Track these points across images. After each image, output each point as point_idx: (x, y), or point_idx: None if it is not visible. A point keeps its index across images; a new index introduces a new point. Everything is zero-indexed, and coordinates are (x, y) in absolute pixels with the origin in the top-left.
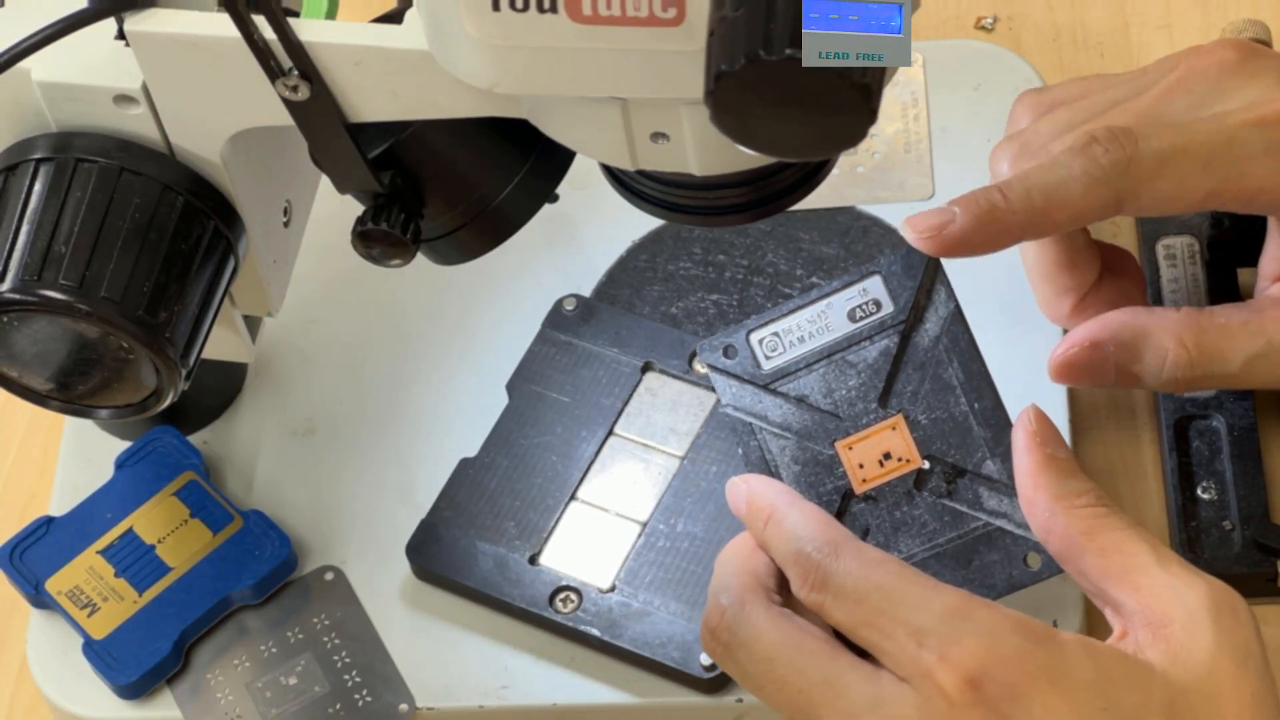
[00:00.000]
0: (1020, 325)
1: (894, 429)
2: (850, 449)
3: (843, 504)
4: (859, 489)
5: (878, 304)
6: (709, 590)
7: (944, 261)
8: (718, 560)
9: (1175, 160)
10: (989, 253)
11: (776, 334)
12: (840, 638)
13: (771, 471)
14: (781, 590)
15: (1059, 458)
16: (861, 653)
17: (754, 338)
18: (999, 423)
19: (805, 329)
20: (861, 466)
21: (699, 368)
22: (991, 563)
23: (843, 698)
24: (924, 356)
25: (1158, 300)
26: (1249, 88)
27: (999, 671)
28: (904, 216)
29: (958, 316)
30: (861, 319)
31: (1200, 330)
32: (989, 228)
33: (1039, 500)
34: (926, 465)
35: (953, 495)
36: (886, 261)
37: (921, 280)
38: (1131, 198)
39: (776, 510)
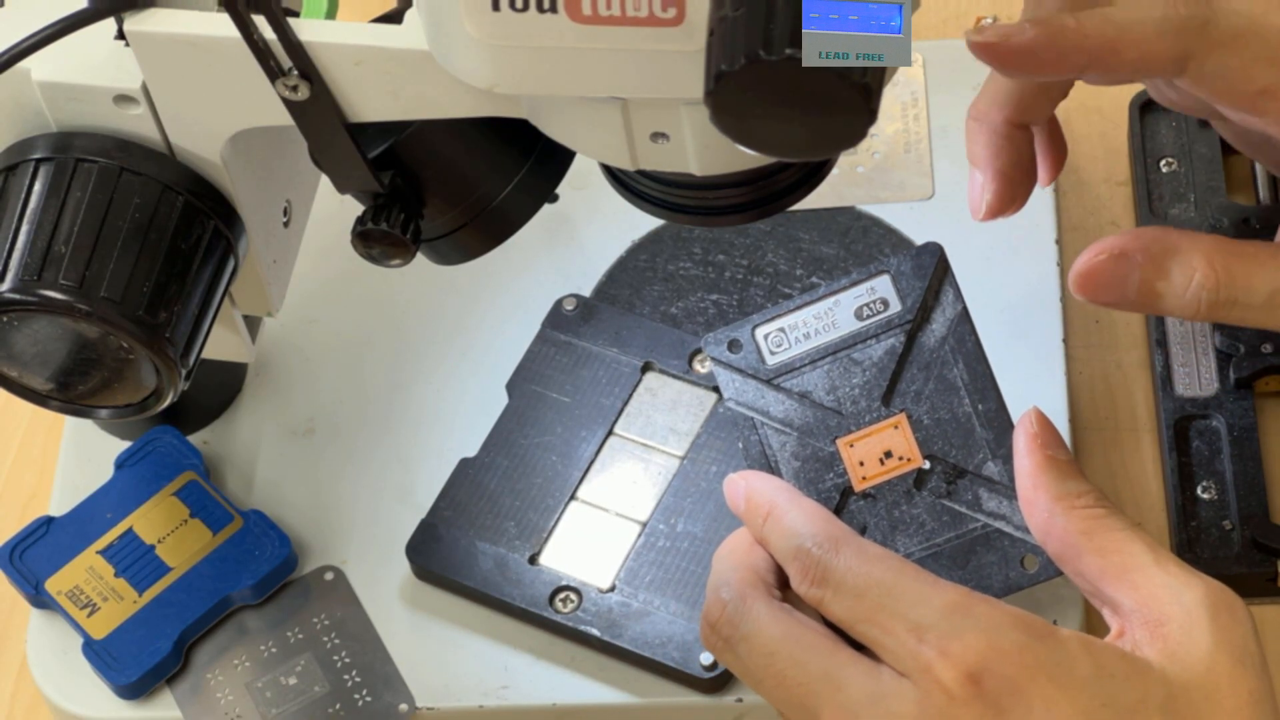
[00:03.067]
0: (1022, 329)
1: (896, 428)
2: (851, 446)
3: (841, 501)
4: (858, 487)
5: (885, 303)
6: (708, 585)
7: (952, 264)
8: (716, 556)
9: (1248, 38)
10: (1048, 77)
11: (782, 330)
12: (840, 633)
13: (771, 467)
14: (781, 586)
15: (1059, 459)
16: (861, 648)
17: (759, 333)
18: (1001, 425)
19: (811, 325)
20: (862, 464)
21: (699, 368)
22: (989, 564)
23: (842, 692)
24: (929, 356)
25: None
26: None
27: (999, 666)
28: (904, 214)
29: (965, 318)
30: (868, 317)
31: (1230, 254)
32: (1058, 45)
33: (1039, 500)
34: (927, 465)
35: (952, 496)
36: (895, 261)
37: (930, 281)
38: (1196, 60)
39: (776, 507)
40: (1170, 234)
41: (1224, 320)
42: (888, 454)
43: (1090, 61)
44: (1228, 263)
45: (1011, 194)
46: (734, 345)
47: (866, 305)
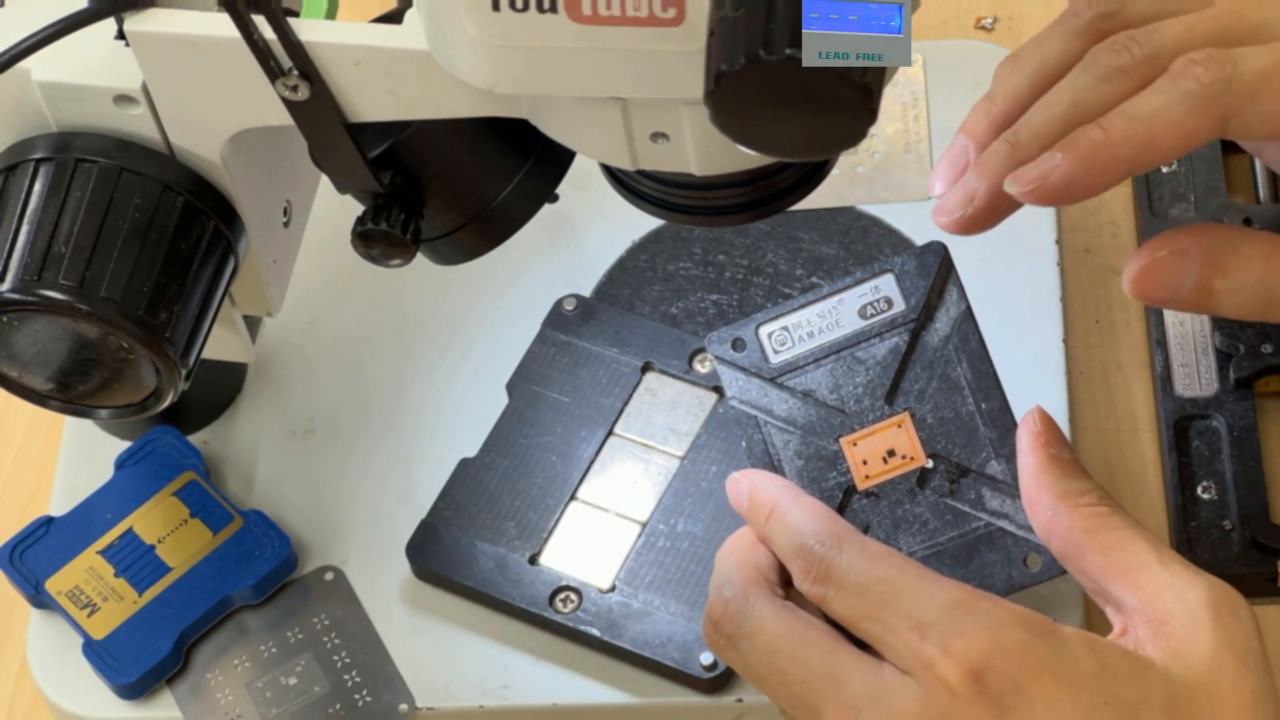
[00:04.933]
0: (1022, 329)
1: (899, 426)
2: (854, 445)
3: (844, 500)
4: (861, 485)
5: (889, 302)
6: (711, 584)
7: (956, 264)
8: (718, 555)
9: (1276, 79)
10: (1094, 194)
11: (786, 328)
12: (843, 631)
13: (774, 465)
14: (784, 584)
15: (1062, 458)
16: (864, 646)
17: (763, 331)
18: (1005, 424)
19: (815, 324)
20: (865, 463)
21: (699, 367)
22: (991, 563)
23: (845, 690)
24: (933, 355)
25: (1158, 309)
26: None
27: (1001, 664)
28: (904, 214)
29: (968, 317)
30: (872, 316)
31: None
32: (1093, 166)
33: (1042, 499)
34: (930, 464)
35: (955, 494)
36: (899, 260)
37: (934, 280)
38: (1237, 116)
39: (778, 505)
40: (1228, 231)
41: (1274, 319)
42: (891, 453)
43: (1131, 168)
44: None
45: (997, 213)
46: (737, 344)
47: (870, 304)
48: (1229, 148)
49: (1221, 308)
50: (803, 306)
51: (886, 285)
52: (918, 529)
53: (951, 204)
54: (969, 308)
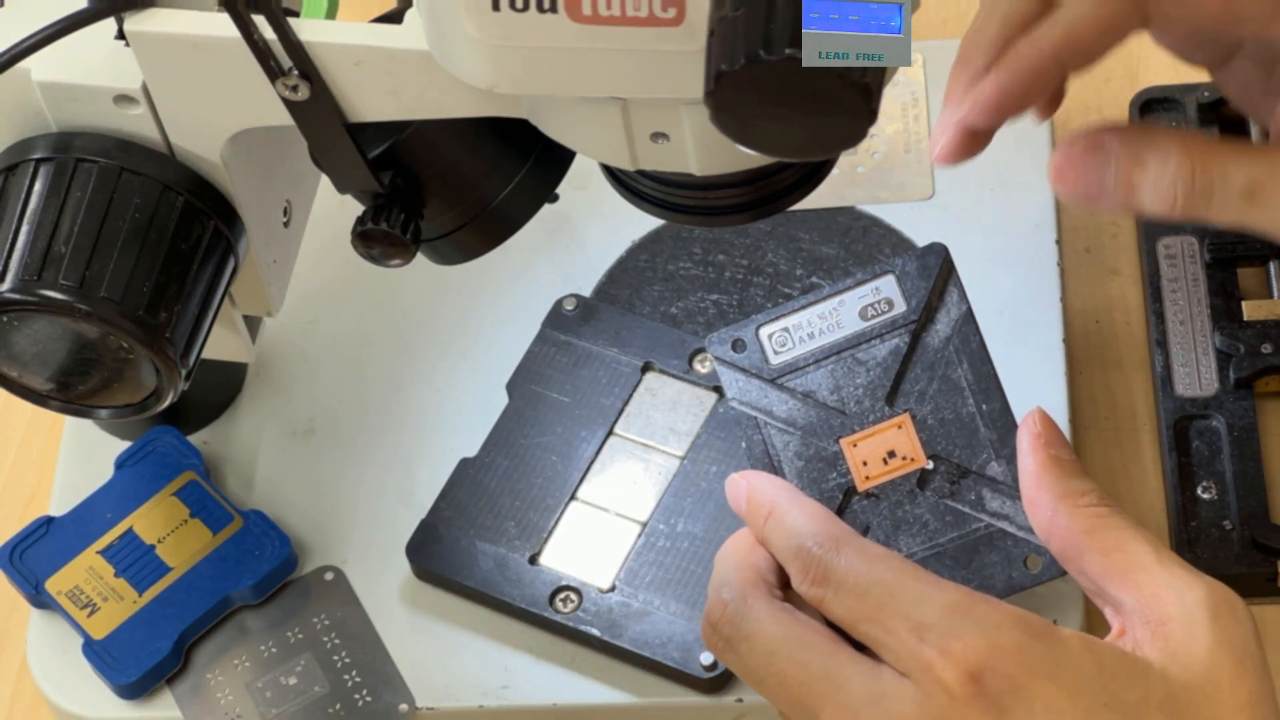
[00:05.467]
0: (1022, 329)
1: (900, 428)
2: (855, 446)
3: (844, 501)
4: (861, 486)
5: (890, 303)
6: (710, 585)
7: (956, 264)
8: (717, 556)
9: None
10: (1041, 96)
11: (786, 329)
12: (841, 633)
13: (774, 466)
14: (782, 586)
15: (1063, 459)
16: (862, 648)
17: (763, 332)
18: (1005, 425)
19: (815, 325)
20: (865, 464)
21: (699, 368)
22: (991, 564)
23: (843, 692)
24: (934, 356)
25: (1158, 301)
26: None
27: (1000, 666)
28: (904, 214)
29: (969, 318)
30: (873, 317)
31: (1207, 145)
32: (1019, 70)
33: (1042, 499)
34: (930, 465)
35: (955, 495)
36: (900, 261)
37: (935, 281)
38: (1153, 2)
39: (777, 507)
40: (1147, 128)
41: (1202, 217)
42: (891, 454)
43: (1062, 63)
44: (1204, 151)
45: (973, 143)
46: (738, 345)
47: (871, 305)
48: None
49: (1144, 203)
50: (803, 307)
51: (887, 286)
52: (918, 530)
53: (932, 142)
54: (970, 309)
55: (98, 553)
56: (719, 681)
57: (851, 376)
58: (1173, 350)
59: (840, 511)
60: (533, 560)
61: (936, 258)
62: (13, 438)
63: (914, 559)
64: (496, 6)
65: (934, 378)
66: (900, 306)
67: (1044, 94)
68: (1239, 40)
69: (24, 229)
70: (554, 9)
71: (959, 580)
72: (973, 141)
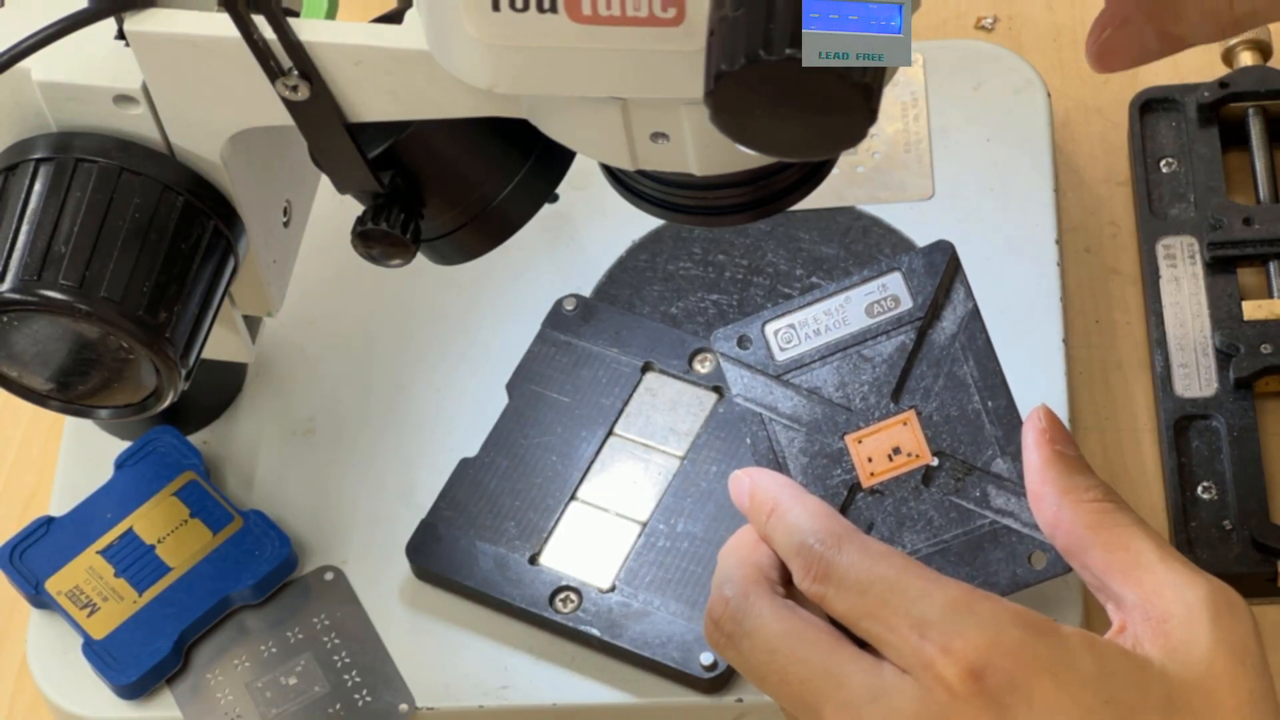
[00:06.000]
0: (1022, 329)
1: (905, 424)
2: (860, 442)
3: (849, 497)
4: (866, 483)
5: (896, 300)
6: (713, 582)
7: (963, 262)
8: (721, 553)
9: None
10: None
11: (792, 326)
12: (843, 630)
13: (779, 463)
14: (784, 583)
15: (1068, 455)
16: (864, 645)
17: (769, 329)
18: (1010, 422)
19: (821, 322)
20: (870, 460)
21: (699, 368)
22: (996, 561)
23: (844, 689)
24: (939, 353)
25: (1158, 301)
26: None
27: (1001, 663)
28: (904, 214)
29: (975, 315)
30: (879, 314)
31: None
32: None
33: (1046, 495)
34: (935, 461)
35: (960, 492)
36: (907, 259)
37: (941, 279)
38: None
39: (779, 503)
40: None
41: (1250, 26)
42: (896, 450)
43: None
44: None
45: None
46: (743, 341)
47: (877, 302)
48: (1228, 147)
49: (1194, 41)
50: (809, 304)
51: (894, 283)
52: (922, 526)
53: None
54: (976, 306)
55: (98, 553)
56: (719, 681)
57: (857, 373)
58: (1173, 350)
59: (845, 508)
60: (533, 560)
61: (943, 255)
62: (13, 438)
63: (918, 555)
64: (496, 6)
65: (939, 374)
66: (906, 303)
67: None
68: None
69: (24, 229)
70: (554, 9)
71: (964, 577)
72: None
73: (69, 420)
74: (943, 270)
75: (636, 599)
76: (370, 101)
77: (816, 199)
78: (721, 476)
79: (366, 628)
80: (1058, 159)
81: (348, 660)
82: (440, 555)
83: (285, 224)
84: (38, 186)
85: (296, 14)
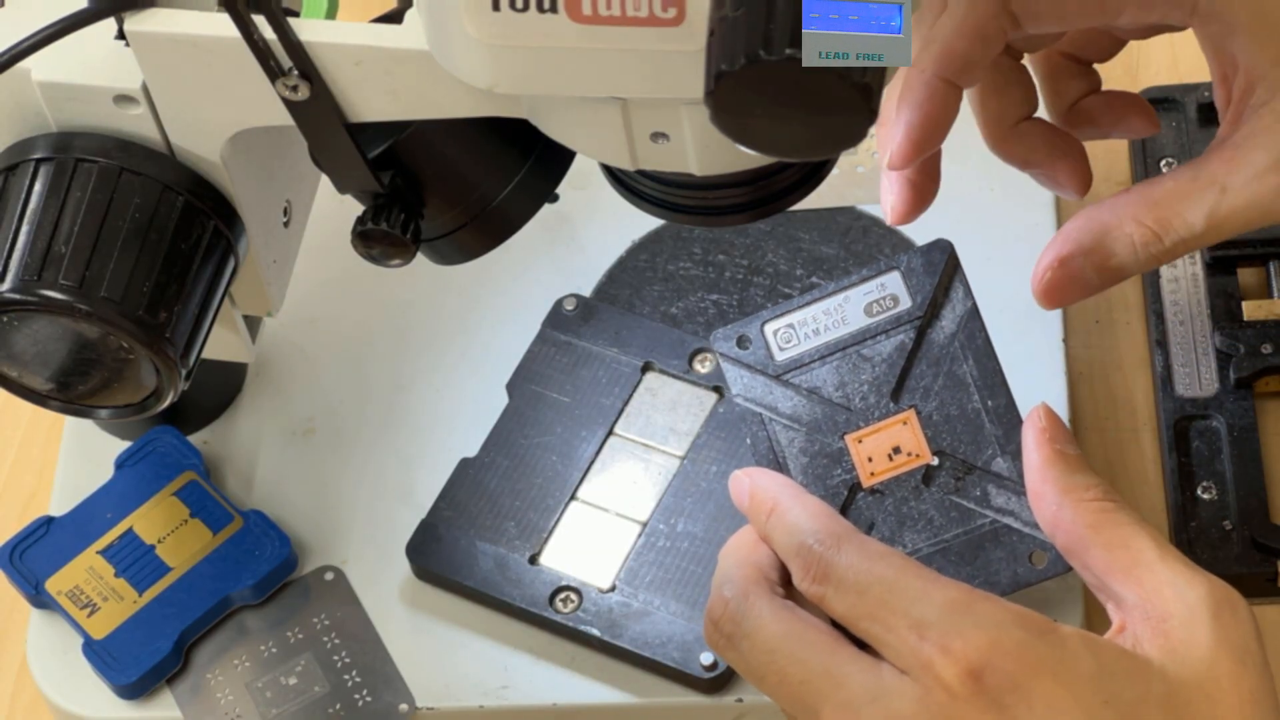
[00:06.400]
0: (1022, 329)
1: (905, 424)
2: (860, 442)
3: (849, 497)
4: (866, 482)
5: (895, 299)
6: (712, 582)
7: (962, 261)
8: (721, 553)
9: None
10: (945, 125)
11: (791, 325)
12: (843, 631)
13: (779, 463)
14: (784, 583)
15: (1068, 454)
16: (863, 646)
17: (769, 329)
18: (1010, 421)
19: (821, 321)
20: (870, 460)
21: (699, 367)
22: (997, 560)
23: (843, 689)
24: (939, 352)
25: (1158, 298)
26: None
27: (1000, 663)
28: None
29: (974, 314)
30: (878, 313)
31: (1154, 204)
32: (914, 97)
33: (1047, 493)
34: (935, 461)
35: (960, 491)
36: (906, 258)
37: (940, 278)
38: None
39: (779, 504)
40: (1092, 215)
41: (1183, 255)
42: (896, 450)
43: (946, 79)
44: (1154, 213)
45: (918, 196)
46: (743, 341)
47: (877, 301)
48: None
49: (1132, 274)
50: (808, 304)
51: (892, 282)
52: (923, 526)
53: (883, 207)
54: (975, 305)
55: (98, 553)
56: (719, 681)
57: (856, 372)
58: (1173, 350)
59: (845, 508)
60: (533, 560)
61: (942, 254)
62: (13, 438)
63: (919, 555)
64: (496, 6)
65: (939, 374)
66: (905, 303)
67: (949, 114)
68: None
69: (24, 229)
70: (554, 9)
71: (964, 576)
72: (916, 194)
73: (69, 420)
74: (942, 269)
75: (636, 599)
76: (370, 101)
77: (816, 199)
78: (721, 476)
79: (366, 628)
80: None
81: (348, 660)
82: (440, 555)
83: (285, 224)
84: (38, 186)
85: (296, 14)
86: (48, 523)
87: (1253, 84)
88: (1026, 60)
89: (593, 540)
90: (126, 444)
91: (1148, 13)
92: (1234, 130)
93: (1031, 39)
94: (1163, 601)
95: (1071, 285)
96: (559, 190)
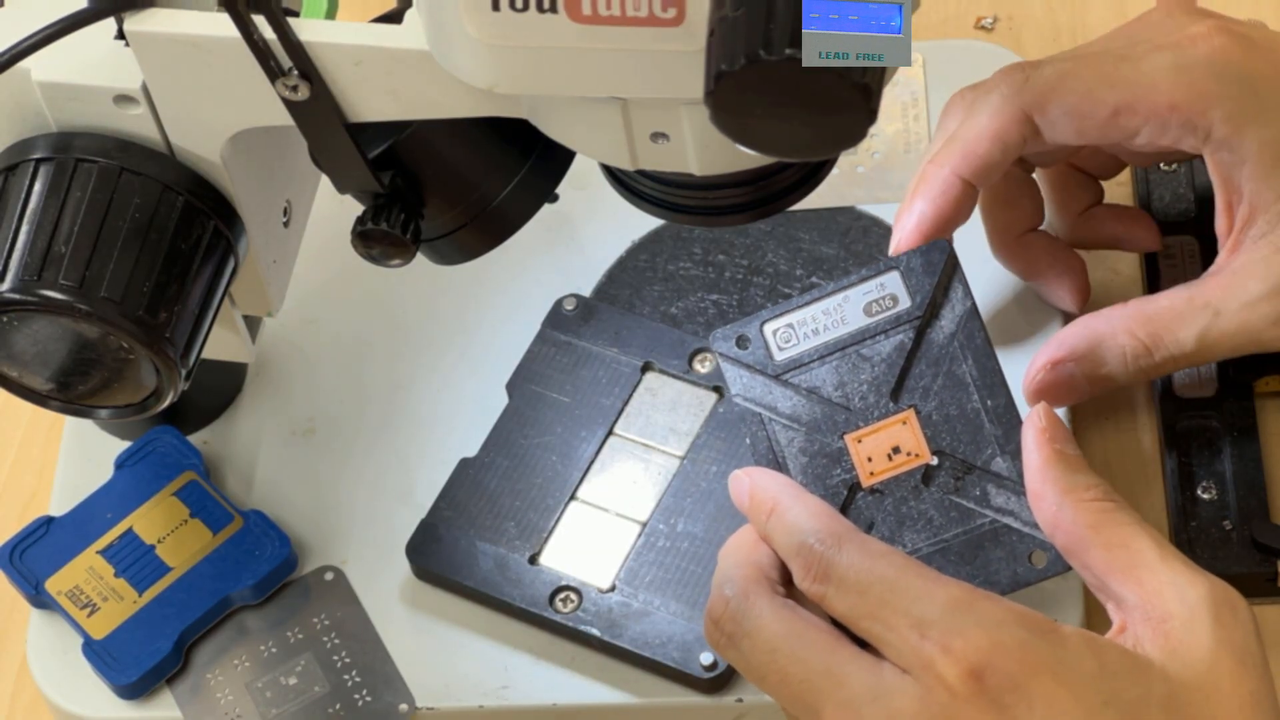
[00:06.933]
0: (1023, 329)
1: (904, 423)
2: (859, 442)
3: (849, 497)
4: (866, 482)
5: (895, 299)
6: (713, 582)
7: (962, 261)
8: (721, 553)
9: (1075, 73)
10: (958, 218)
11: (791, 325)
12: (843, 630)
13: (779, 462)
14: (784, 583)
15: (1068, 453)
16: (864, 645)
17: (768, 328)
18: (1010, 420)
19: (820, 321)
20: (870, 460)
21: (699, 367)
22: (996, 560)
23: (844, 688)
24: (938, 352)
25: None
26: (1167, 23)
27: (1001, 663)
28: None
29: (974, 314)
30: (878, 313)
31: (1147, 320)
32: (928, 190)
33: (1047, 494)
34: (935, 460)
35: (960, 491)
36: (905, 258)
37: (939, 277)
38: (1039, 111)
39: (779, 503)
40: (1089, 324)
41: (1173, 371)
42: (896, 449)
43: (964, 178)
44: (1148, 329)
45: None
46: (742, 341)
47: (876, 301)
48: None
49: (1123, 384)
50: (808, 304)
51: (892, 282)
52: (922, 526)
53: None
54: (974, 305)
55: (98, 553)
56: (719, 681)
57: (856, 372)
58: None
59: (845, 507)
60: (533, 560)
61: (941, 254)
62: (13, 438)
63: (919, 555)
64: (496, 6)
65: (939, 373)
66: (905, 302)
67: (962, 211)
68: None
69: (24, 229)
70: (554, 9)
71: (964, 576)
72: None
73: (69, 420)
74: (941, 269)
75: (636, 599)
76: (370, 101)
77: (816, 199)
78: (721, 476)
79: (366, 628)
80: None
81: (348, 660)
82: (440, 555)
83: (285, 224)
84: (38, 186)
85: (296, 14)
86: (48, 523)
87: (1255, 215)
88: (1036, 174)
89: (593, 540)
90: (126, 444)
91: (1162, 134)
92: (1232, 258)
93: (1045, 153)
94: (1163, 602)
95: (1061, 388)
96: (559, 190)
